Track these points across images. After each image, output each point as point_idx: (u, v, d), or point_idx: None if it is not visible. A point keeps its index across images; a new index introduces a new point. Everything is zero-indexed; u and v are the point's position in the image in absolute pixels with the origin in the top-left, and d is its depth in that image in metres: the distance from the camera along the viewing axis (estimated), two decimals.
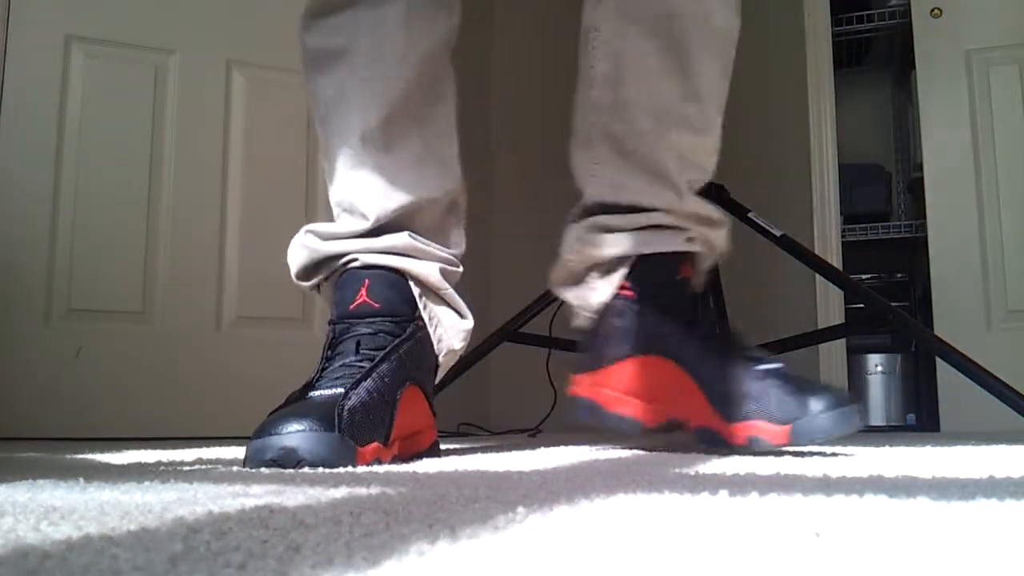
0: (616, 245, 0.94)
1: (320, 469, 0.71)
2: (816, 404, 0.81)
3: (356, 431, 0.76)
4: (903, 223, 2.65)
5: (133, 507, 0.44)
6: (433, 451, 0.93)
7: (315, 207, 2.12)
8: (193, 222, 2.01)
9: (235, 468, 0.75)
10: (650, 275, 0.92)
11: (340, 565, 0.28)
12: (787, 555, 0.29)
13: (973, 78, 2.22)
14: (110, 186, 1.94)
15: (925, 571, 0.27)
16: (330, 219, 0.98)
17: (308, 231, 0.95)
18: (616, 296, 0.94)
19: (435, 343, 0.92)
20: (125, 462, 0.86)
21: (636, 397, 0.93)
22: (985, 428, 1.72)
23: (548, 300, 1.70)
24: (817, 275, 1.88)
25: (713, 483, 0.54)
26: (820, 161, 2.27)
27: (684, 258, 0.92)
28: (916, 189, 2.51)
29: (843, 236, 2.36)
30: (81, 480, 0.60)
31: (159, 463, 0.83)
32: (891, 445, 1.07)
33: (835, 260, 2.23)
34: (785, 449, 0.85)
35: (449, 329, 0.94)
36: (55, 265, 1.88)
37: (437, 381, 0.96)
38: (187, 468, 0.76)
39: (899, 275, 2.69)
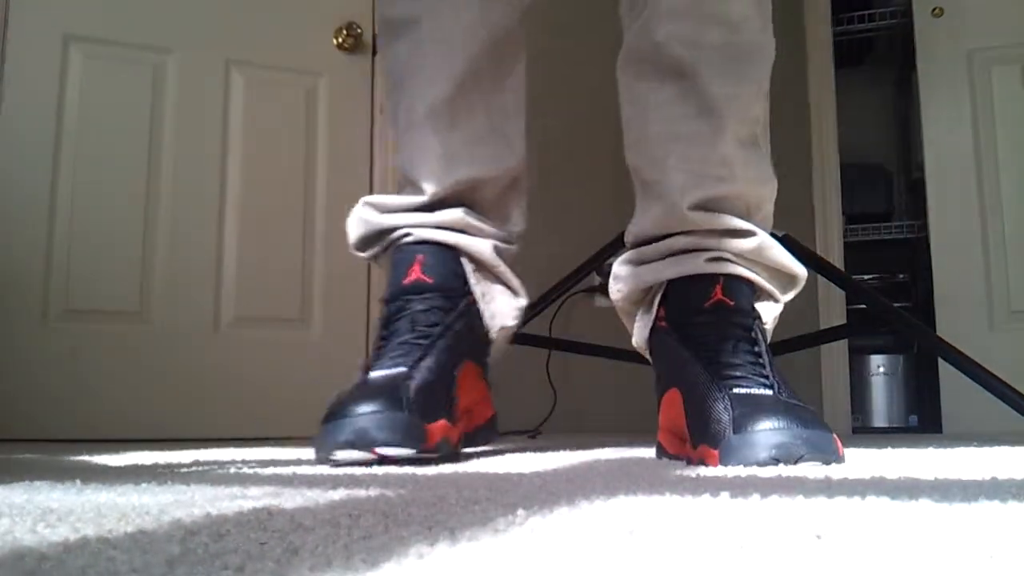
0: (636, 278, 0.92)
1: (324, 464, 0.71)
2: (755, 427, 0.71)
3: (423, 410, 0.76)
4: (905, 223, 2.64)
5: (130, 509, 0.43)
6: (491, 424, 0.93)
7: (313, 207, 2.12)
8: (191, 222, 2.01)
9: (232, 470, 0.74)
10: (678, 303, 0.88)
11: (339, 567, 0.28)
12: (789, 557, 0.29)
13: (974, 78, 2.22)
14: (108, 186, 1.94)
15: (927, 573, 0.27)
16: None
17: (366, 203, 0.96)
18: (654, 330, 0.91)
19: (487, 319, 0.92)
20: (122, 464, 0.86)
21: (673, 435, 0.87)
22: (987, 429, 1.71)
23: (548, 301, 1.69)
24: (819, 275, 1.88)
25: (714, 485, 0.54)
26: (821, 161, 2.27)
27: (715, 280, 0.85)
28: (918, 189, 2.51)
29: (845, 236, 2.35)
30: (78, 482, 0.59)
31: (156, 465, 0.83)
32: (893, 446, 1.07)
33: (837, 260, 2.23)
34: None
35: (502, 306, 0.94)
36: (52, 265, 1.88)
37: (492, 358, 0.96)
38: (184, 470, 0.75)
39: (901, 275, 2.68)
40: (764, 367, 0.80)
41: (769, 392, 0.77)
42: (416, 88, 0.93)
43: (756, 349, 0.81)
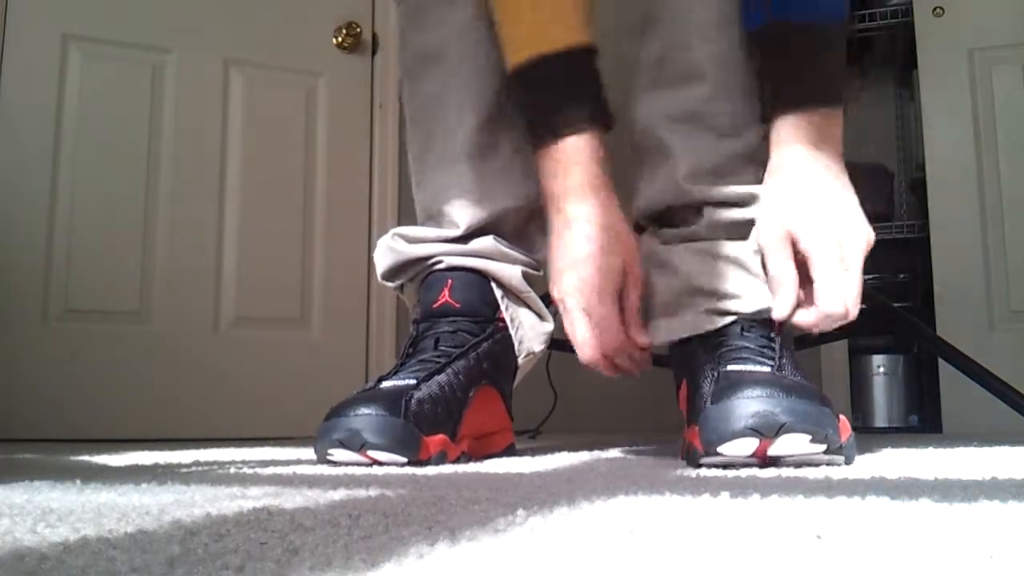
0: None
1: (324, 465, 0.71)
2: (733, 396, 0.65)
3: (422, 421, 0.76)
4: (905, 223, 2.64)
5: (130, 509, 0.43)
6: (508, 453, 0.93)
7: (313, 207, 2.12)
8: (191, 222, 2.01)
9: (232, 470, 0.74)
10: None
11: (338, 567, 0.28)
12: (789, 557, 0.29)
13: (975, 77, 2.22)
14: (107, 186, 1.94)
15: (927, 573, 0.27)
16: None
17: (396, 234, 0.96)
18: None
19: (516, 344, 0.93)
20: (122, 464, 0.86)
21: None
22: (988, 429, 1.71)
23: (548, 301, 1.69)
24: None
25: (714, 485, 0.54)
26: None
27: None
28: (918, 189, 2.51)
29: None
30: (78, 482, 0.59)
31: (156, 465, 0.83)
32: (893, 446, 1.07)
33: None
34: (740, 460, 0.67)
35: (529, 331, 0.95)
36: (52, 265, 1.88)
37: (515, 384, 0.96)
38: (184, 470, 0.75)
39: (901, 275, 2.68)
40: (772, 349, 0.75)
41: (766, 368, 0.72)
42: (448, 123, 0.93)
43: (771, 333, 0.77)
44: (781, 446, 0.65)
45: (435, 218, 0.95)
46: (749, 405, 0.64)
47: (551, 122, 0.82)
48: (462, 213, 0.93)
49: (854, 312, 0.76)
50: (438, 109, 0.94)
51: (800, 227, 0.77)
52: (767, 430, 0.63)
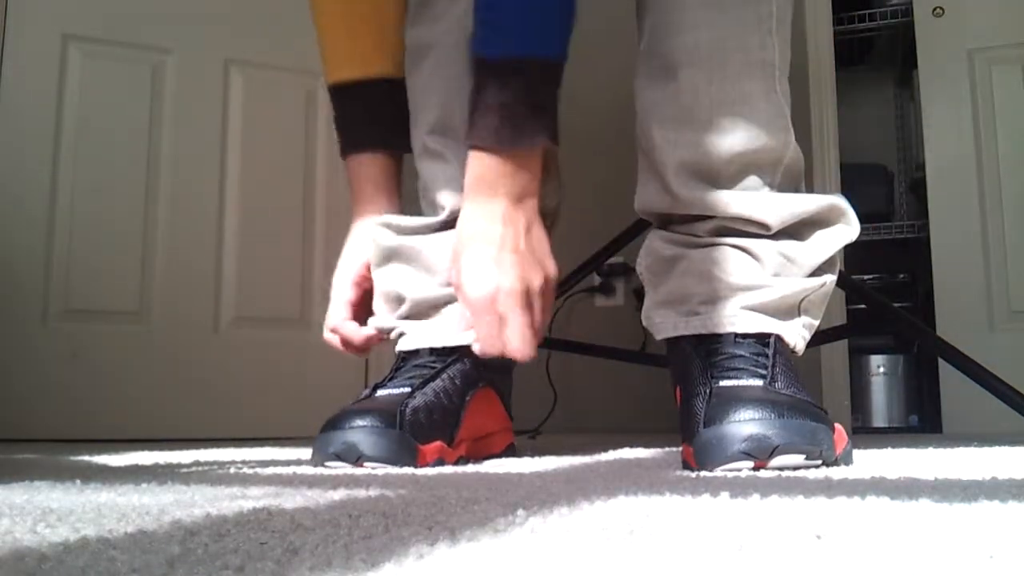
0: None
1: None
2: (727, 419, 0.65)
3: (418, 430, 0.76)
4: (905, 223, 2.64)
5: (130, 509, 0.43)
6: (508, 454, 0.92)
7: (313, 207, 2.12)
8: (191, 222, 2.01)
9: (232, 470, 0.74)
10: None
11: (338, 567, 0.28)
12: (789, 557, 0.29)
13: (975, 77, 2.22)
14: (108, 186, 1.94)
15: (927, 573, 0.27)
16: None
17: (380, 224, 0.96)
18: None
19: None
20: (122, 464, 0.86)
21: None
22: (988, 429, 1.71)
23: None
24: None
25: (714, 485, 0.54)
26: (822, 161, 2.27)
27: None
28: (918, 189, 2.51)
29: None
30: (78, 482, 0.60)
31: (156, 465, 0.83)
32: (893, 447, 1.07)
33: None
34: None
35: None
36: (52, 265, 1.88)
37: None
38: (185, 470, 0.76)
39: (901, 275, 2.68)
40: (766, 357, 0.74)
41: (758, 383, 0.71)
42: (429, 109, 0.93)
43: (767, 340, 0.76)
44: (775, 465, 0.65)
45: (431, 205, 0.94)
46: (742, 429, 0.64)
47: (342, 140, 1.04)
48: (447, 197, 0.91)
49: (523, 353, 0.76)
50: (424, 95, 0.94)
51: (457, 276, 0.78)
52: (760, 453, 0.64)
